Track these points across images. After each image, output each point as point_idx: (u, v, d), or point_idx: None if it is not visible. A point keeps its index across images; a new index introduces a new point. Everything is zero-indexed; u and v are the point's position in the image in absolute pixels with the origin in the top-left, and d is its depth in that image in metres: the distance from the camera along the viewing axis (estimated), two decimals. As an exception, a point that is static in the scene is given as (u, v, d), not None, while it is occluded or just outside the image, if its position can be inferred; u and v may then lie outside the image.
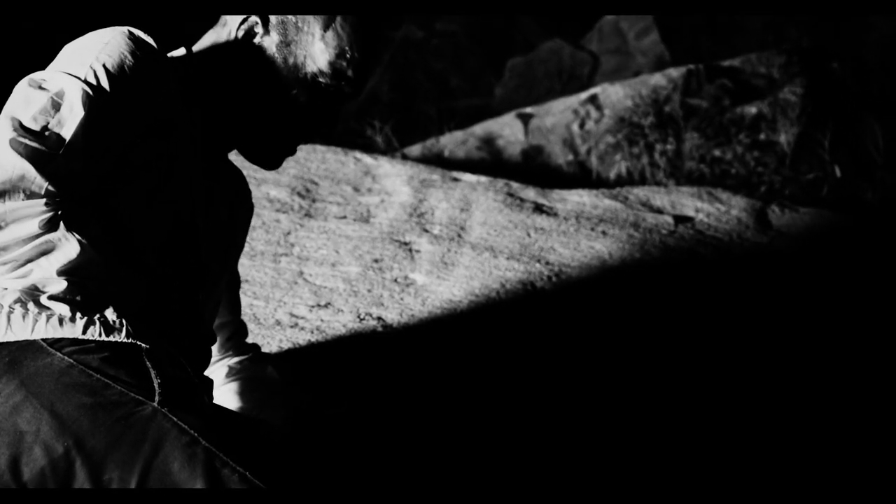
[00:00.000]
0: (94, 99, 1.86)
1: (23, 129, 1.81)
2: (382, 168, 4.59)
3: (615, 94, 6.56)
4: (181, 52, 2.15)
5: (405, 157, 5.74)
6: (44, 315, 1.76)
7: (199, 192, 2.12)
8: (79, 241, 1.78)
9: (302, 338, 3.09)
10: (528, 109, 6.88)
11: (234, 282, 2.56)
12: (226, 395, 2.48)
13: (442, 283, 3.48)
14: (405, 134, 7.05)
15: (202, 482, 1.64)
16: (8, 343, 1.76)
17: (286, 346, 3.04)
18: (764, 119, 6.24)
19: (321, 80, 2.12)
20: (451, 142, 6.56)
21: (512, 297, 3.41)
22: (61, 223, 1.77)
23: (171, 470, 1.66)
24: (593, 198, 4.41)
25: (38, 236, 1.76)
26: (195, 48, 2.16)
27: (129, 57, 1.93)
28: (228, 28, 2.13)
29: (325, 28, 2.10)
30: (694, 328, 3.31)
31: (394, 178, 4.47)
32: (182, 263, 2.07)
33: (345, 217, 4.02)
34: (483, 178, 4.55)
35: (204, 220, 2.16)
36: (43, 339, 1.75)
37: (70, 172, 1.82)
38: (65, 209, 1.78)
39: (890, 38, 9.30)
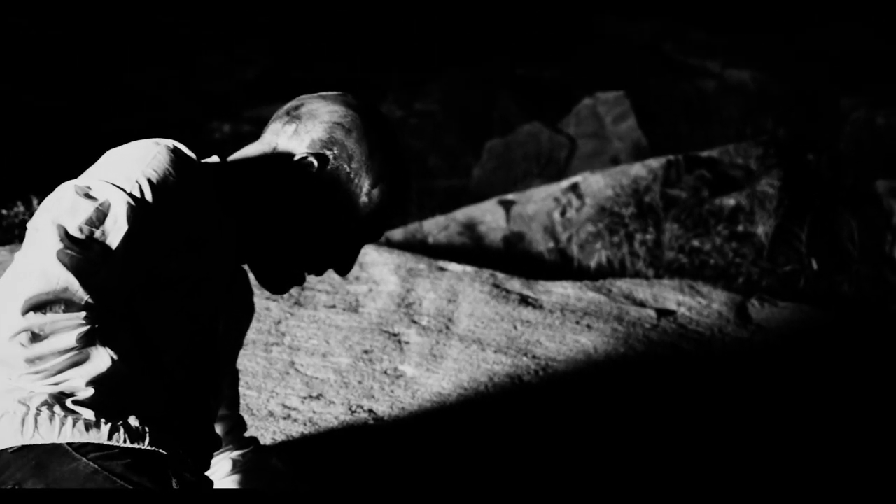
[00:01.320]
0: (138, 213, 1.92)
1: (69, 238, 1.85)
2: (370, 256, 4.65)
3: (596, 184, 6.66)
4: (215, 159, 2.21)
5: (389, 242, 5.81)
6: (70, 419, 1.81)
7: (221, 301, 2.19)
8: (111, 356, 1.83)
9: (295, 430, 3.13)
10: (510, 196, 6.98)
11: (234, 379, 2.62)
12: (231, 487, 2.53)
13: (431, 376, 3.53)
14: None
15: None
16: (34, 446, 1.81)
17: (279, 437, 3.07)
18: (742, 211, 6.35)
19: (352, 224, 2.20)
20: (434, 226, 6.64)
21: (500, 391, 3.46)
22: (97, 338, 1.81)
23: None
24: (577, 290, 4.48)
25: (72, 349, 1.80)
26: (234, 157, 2.22)
27: (173, 173, 1.99)
28: (284, 148, 2.20)
29: (373, 186, 2.20)
30: (677, 424, 3.36)
31: (381, 267, 4.53)
32: (199, 370, 2.13)
33: (334, 306, 4.07)
34: (469, 269, 4.62)
35: (222, 326, 2.23)
36: (68, 444, 1.80)
37: (110, 284, 1.87)
38: (101, 323, 1.82)
39: (862, 128, 9.47)
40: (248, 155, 2.22)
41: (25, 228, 1.94)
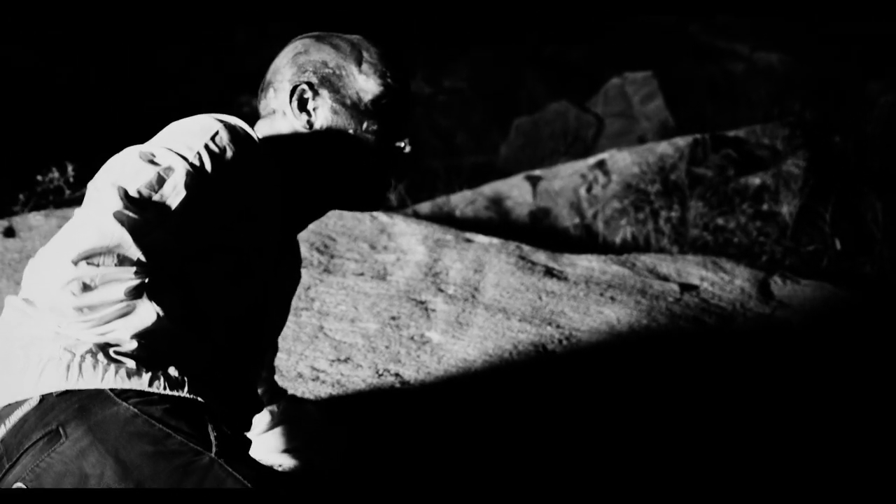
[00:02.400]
0: (197, 181, 2.00)
1: (128, 198, 1.93)
2: (398, 226, 4.72)
3: (623, 161, 6.70)
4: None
5: (417, 215, 5.87)
6: (112, 366, 1.89)
7: (273, 273, 2.29)
8: (156, 311, 1.90)
9: (323, 391, 3.20)
10: (537, 172, 7.02)
11: (274, 349, 2.71)
12: (274, 438, 2.64)
13: (457, 343, 3.59)
14: (415, 190, 7.18)
15: None
16: (78, 391, 1.89)
17: (309, 398, 3.15)
18: (767, 190, 6.38)
19: (383, 101, 2.29)
20: (461, 201, 6.69)
21: (524, 359, 3.52)
22: (144, 292, 1.89)
23: None
24: (602, 263, 4.53)
25: (121, 301, 1.88)
26: (266, 134, 2.30)
27: (232, 147, 2.08)
28: (280, 109, 2.30)
29: (358, 63, 2.29)
30: (698, 396, 3.41)
31: (409, 237, 4.59)
32: (245, 337, 2.22)
33: (362, 274, 4.14)
34: (495, 240, 4.68)
35: (273, 298, 2.34)
36: (111, 389, 1.89)
37: (163, 246, 1.93)
38: (150, 279, 1.89)
39: (890, 112, 9.46)
40: (266, 132, 2.30)
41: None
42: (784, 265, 5.66)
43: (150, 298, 1.90)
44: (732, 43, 12.63)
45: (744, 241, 6.08)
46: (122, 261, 1.87)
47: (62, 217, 4.51)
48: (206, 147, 2.04)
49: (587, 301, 4.05)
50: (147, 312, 1.89)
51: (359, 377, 3.31)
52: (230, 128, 2.11)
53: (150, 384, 1.90)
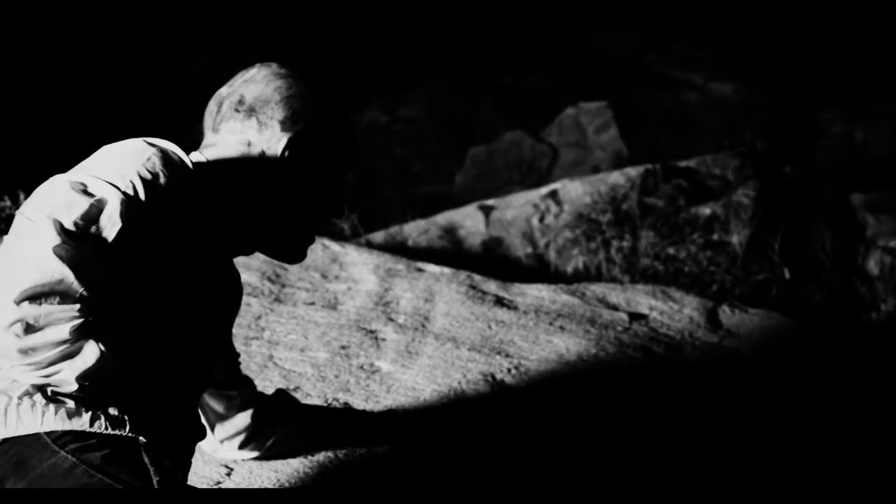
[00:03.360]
0: (132, 211, 1.97)
1: (65, 232, 1.89)
2: (349, 256, 4.74)
3: (575, 191, 6.74)
4: (198, 156, 2.28)
5: (370, 244, 5.88)
6: (52, 407, 1.91)
7: (213, 295, 2.29)
8: (101, 350, 1.90)
9: (271, 421, 3.21)
10: (490, 202, 7.05)
11: (233, 356, 2.75)
12: (269, 429, 2.83)
13: (406, 372, 3.61)
14: (368, 219, 7.19)
15: None
16: (16, 439, 1.90)
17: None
18: (717, 220, 6.43)
19: (345, 159, 2.40)
20: (415, 230, 6.71)
21: (473, 388, 3.54)
22: (88, 331, 1.88)
23: None
24: (552, 293, 4.56)
25: (65, 342, 1.87)
26: (211, 157, 2.30)
27: (165, 172, 2.05)
28: (260, 145, 2.30)
29: (336, 118, 2.37)
30: (644, 423, 3.44)
31: (360, 267, 4.61)
32: (190, 364, 2.25)
33: (313, 303, 4.15)
34: (446, 270, 4.70)
35: (220, 321, 2.37)
36: (48, 434, 1.89)
37: (102, 279, 1.91)
38: (94, 316, 1.88)
39: (841, 142, 9.56)
40: (226, 156, 2.29)
41: (12, 220, 2.01)
42: (734, 294, 5.71)
43: (95, 337, 1.89)
44: (687, 73, 12.72)
45: (694, 270, 6.13)
46: (65, 298, 1.86)
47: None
48: (139, 174, 2.01)
49: (536, 330, 4.07)
50: (91, 353, 1.89)
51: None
52: (163, 152, 2.09)
53: (91, 424, 1.91)
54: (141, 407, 2.00)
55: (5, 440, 1.91)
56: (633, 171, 6.79)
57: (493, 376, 3.64)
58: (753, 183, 6.77)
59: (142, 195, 2.00)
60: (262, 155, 2.28)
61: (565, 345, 3.95)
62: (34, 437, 1.89)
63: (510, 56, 12.95)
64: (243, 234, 2.32)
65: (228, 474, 2.84)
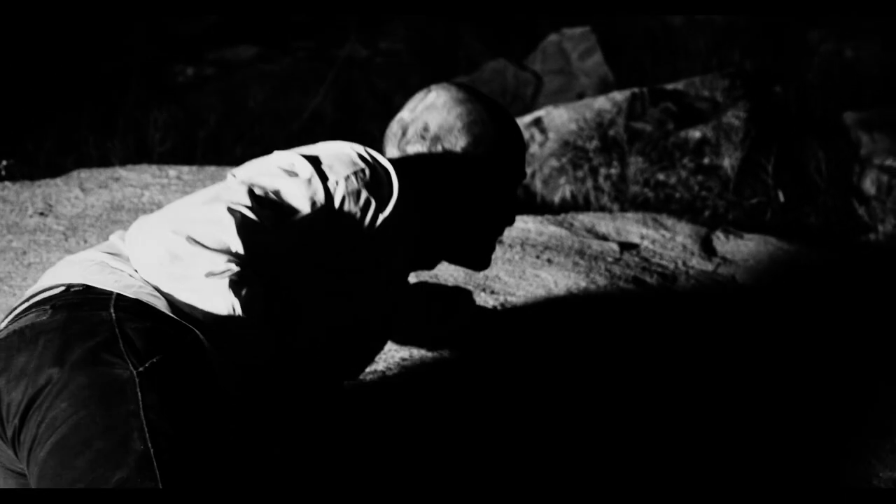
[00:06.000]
0: (326, 207, 2.18)
1: (251, 195, 2.11)
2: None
3: (559, 118, 6.55)
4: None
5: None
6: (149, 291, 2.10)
7: (387, 301, 2.49)
8: (233, 303, 2.04)
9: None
10: (473, 132, 6.86)
11: None
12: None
13: (386, 313, 3.44)
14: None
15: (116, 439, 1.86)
16: (97, 290, 2.10)
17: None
18: (708, 143, 6.26)
19: (522, 178, 2.65)
20: (396, 164, 6.54)
21: (457, 327, 3.37)
22: (228, 281, 2.02)
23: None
24: (538, 224, 4.39)
25: (206, 276, 2.02)
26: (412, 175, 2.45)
27: (367, 192, 2.24)
28: (446, 171, 2.52)
29: (518, 144, 2.62)
30: (639, 359, 3.29)
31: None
32: (345, 347, 2.44)
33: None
34: (427, 204, 4.52)
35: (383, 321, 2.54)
36: (119, 295, 2.07)
37: (268, 249, 2.09)
38: (239, 271, 2.03)
39: (831, 61, 9.38)
40: (435, 185, 2.51)
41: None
42: (727, 219, 5.56)
43: (234, 289, 2.02)
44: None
45: (686, 196, 5.96)
46: (219, 247, 2.02)
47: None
48: (347, 178, 2.21)
49: (523, 264, 3.91)
50: (223, 303, 2.03)
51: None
52: (377, 169, 2.27)
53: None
54: (266, 362, 2.16)
55: (88, 287, 2.09)
56: (620, 96, 6.59)
57: (478, 314, 3.47)
58: (744, 104, 6.58)
59: (338, 197, 2.20)
60: (447, 176, 2.51)
61: (553, 279, 3.79)
62: (107, 294, 2.06)
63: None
64: (430, 245, 2.56)
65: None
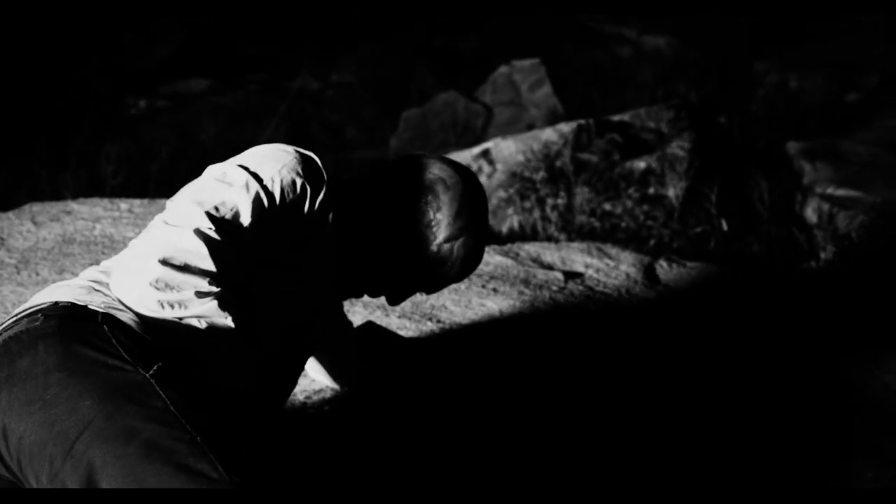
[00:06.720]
0: (267, 204, 2.25)
1: (207, 217, 2.17)
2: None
3: (507, 149, 6.63)
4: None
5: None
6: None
7: (318, 299, 2.54)
8: (230, 324, 2.18)
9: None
10: (423, 164, 6.91)
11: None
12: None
13: (334, 343, 3.49)
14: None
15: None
16: (83, 307, 2.19)
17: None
18: (653, 173, 6.35)
19: (414, 263, 2.57)
20: (346, 196, 6.58)
21: (404, 356, 3.43)
22: (216, 300, 2.13)
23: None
24: (485, 254, 4.45)
25: (198, 300, 2.13)
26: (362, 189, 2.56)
27: (302, 176, 2.31)
28: (422, 229, 2.53)
29: (445, 241, 2.54)
30: (578, 381, 3.35)
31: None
32: (293, 344, 2.52)
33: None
34: (376, 235, 4.58)
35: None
36: (106, 315, 2.17)
37: (233, 260, 2.18)
38: (220, 291, 2.14)
39: (776, 92, 9.52)
40: (387, 221, 2.55)
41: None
42: (672, 248, 5.64)
43: (226, 309, 2.15)
44: (620, 27, 12.64)
45: (631, 225, 6.05)
46: (199, 271, 2.12)
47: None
48: (280, 175, 2.28)
49: (469, 294, 3.97)
50: (222, 322, 2.16)
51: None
52: (306, 157, 2.35)
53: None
54: (244, 383, 2.30)
55: (75, 304, 2.19)
56: (566, 127, 6.68)
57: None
58: (688, 135, 6.69)
59: (277, 192, 2.27)
60: (410, 230, 2.53)
61: (499, 307, 3.86)
62: (94, 312, 2.17)
63: (441, 19, 12.81)
64: (351, 269, 2.58)
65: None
